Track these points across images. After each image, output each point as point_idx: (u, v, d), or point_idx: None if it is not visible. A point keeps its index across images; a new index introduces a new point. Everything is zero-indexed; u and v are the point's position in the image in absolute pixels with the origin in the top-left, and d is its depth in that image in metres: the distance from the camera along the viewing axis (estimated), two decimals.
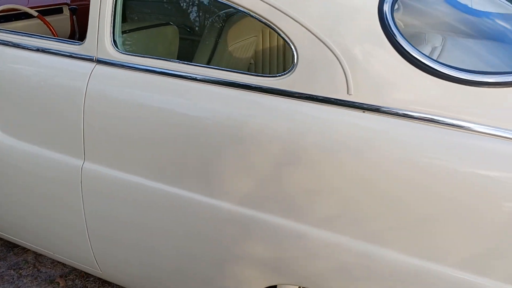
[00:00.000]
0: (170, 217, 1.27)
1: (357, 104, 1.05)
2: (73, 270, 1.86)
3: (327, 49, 1.08)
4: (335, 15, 1.10)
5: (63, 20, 2.78)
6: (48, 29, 2.42)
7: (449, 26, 1.39)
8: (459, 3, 1.56)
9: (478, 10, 1.50)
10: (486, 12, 1.51)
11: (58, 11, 2.79)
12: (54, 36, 2.36)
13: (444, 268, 0.99)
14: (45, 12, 2.69)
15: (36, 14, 2.38)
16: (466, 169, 0.95)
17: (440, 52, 1.19)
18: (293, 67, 1.12)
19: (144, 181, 1.29)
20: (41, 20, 2.40)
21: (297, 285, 1.21)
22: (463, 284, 0.98)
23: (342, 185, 1.04)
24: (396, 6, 1.18)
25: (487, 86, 1.01)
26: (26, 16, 2.52)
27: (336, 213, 1.07)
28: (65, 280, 1.81)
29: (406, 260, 1.02)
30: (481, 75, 1.02)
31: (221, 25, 1.67)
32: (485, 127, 0.96)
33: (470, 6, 1.49)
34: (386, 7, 1.10)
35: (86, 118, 1.33)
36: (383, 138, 1.01)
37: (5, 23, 2.43)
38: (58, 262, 1.90)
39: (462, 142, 0.96)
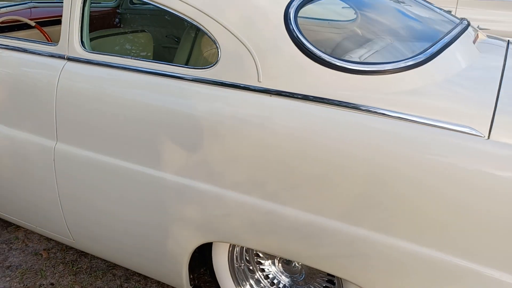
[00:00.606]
0: (120, 187, 1.53)
1: (264, 89, 1.31)
2: (56, 245, 2.13)
3: (243, 46, 1.34)
4: (249, 17, 1.36)
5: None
6: (44, 37, 2.73)
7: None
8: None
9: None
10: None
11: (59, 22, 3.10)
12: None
13: (327, 220, 1.23)
14: (47, 22, 3.00)
15: (33, 24, 2.68)
16: (341, 137, 1.19)
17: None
18: (217, 60, 1.38)
19: (104, 157, 1.55)
20: (38, 29, 2.71)
21: (226, 242, 1.46)
22: (341, 234, 1.22)
23: (249, 153, 1.29)
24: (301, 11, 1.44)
25: (363, 74, 1.26)
26: (27, 26, 2.83)
27: (246, 177, 1.32)
28: (48, 252, 2.08)
29: (301, 215, 1.26)
30: (360, 65, 1.27)
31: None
32: (348, 104, 1.21)
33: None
34: (291, 11, 1.36)
35: (57, 105, 1.61)
36: (284, 115, 1.26)
37: (7, 32, 2.74)
38: (44, 238, 2.17)
39: (343, 118, 1.21)
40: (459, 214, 1.09)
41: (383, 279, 1.22)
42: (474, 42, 1.69)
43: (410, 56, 1.34)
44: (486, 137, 1.12)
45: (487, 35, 2.03)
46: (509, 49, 1.72)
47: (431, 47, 1.41)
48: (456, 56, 1.44)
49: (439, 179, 1.10)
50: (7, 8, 2.84)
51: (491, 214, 1.06)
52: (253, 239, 1.37)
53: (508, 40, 1.98)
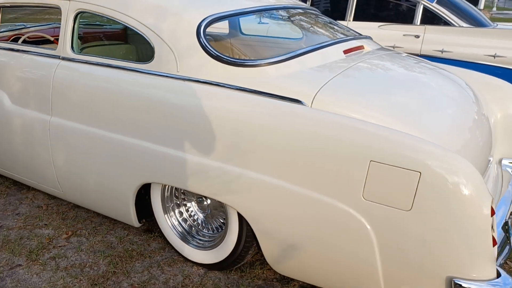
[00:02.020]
0: (90, 147, 2.21)
1: (181, 77, 1.97)
2: (54, 200, 2.81)
3: (168, 47, 2.02)
4: (174, 31, 2.04)
5: None
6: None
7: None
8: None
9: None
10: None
11: None
12: None
13: (209, 161, 1.86)
14: None
15: (52, 39, 3.48)
16: (217, 102, 1.83)
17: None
18: (152, 57, 2.06)
19: (82, 126, 2.24)
20: (55, 42, 3.51)
21: (156, 182, 2.09)
22: (218, 169, 1.84)
23: (167, 117, 1.95)
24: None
25: (245, 66, 1.90)
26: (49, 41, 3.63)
27: (164, 135, 1.96)
28: (47, 206, 2.76)
29: (192, 158, 1.89)
30: (250, 62, 1.92)
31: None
32: (243, 89, 1.85)
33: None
34: (201, 27, 2.03)
35: (53, 90, 2.32)
36: (189, 92, 1.91)
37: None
38: (46, 197, 2.85)
39: (218, 91, 1.85)
40: (280, 148, 1.70)
41: (242, 197, 1.82)
42: (351, 51, 2.29)
43: (276, 56, 1.98)
44: (310, 105, 1.74)
45: (381, 48, 2.63)
46: (374, 58, 2.32)
47: (296, 51, 2.04)
48: (315, 57, 2.07)
49: (276, 132, 1.70)
50: (37, 27, 3.66)
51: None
52: (167, 177, 2.00)
53: (393, 52, 2.57)
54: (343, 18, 5.53)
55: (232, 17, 2.28)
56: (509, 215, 2.04)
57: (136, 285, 2.04)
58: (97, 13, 2.30)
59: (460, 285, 1.49)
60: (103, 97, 2.15)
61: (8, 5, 2.79)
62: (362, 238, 1.60)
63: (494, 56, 4.58)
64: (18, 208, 2.73)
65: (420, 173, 1.48)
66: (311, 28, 2.66)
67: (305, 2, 5.79)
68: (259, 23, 2.82)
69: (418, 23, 5.07)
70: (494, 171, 2.42)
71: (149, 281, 2.07)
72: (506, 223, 1.96)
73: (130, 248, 2.31)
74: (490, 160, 2.36)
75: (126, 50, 2.80)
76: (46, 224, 2.55)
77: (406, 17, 5.21)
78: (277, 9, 2.55)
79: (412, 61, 2.50)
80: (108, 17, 2.26)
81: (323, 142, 1.63)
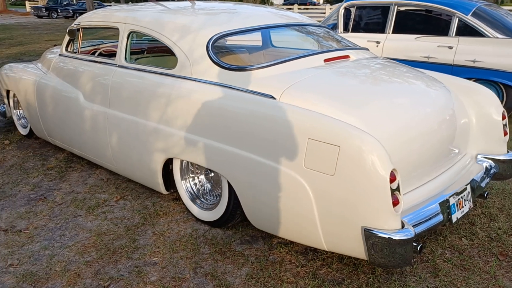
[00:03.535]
0: (130, 130, 2.98)
1: (193, 78, 2.67)
2: (113, 176, 3.64)
3: (186, 56, 2.73)
4: (191, 45, 2.75)
5: None
6: None
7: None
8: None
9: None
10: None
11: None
12: None
13: (206, 140, 2.52)
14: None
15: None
16: (216, 97, 2.49)
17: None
18: (176, 64, 2.78)
19: (127, 116, 3.02)
20: None
21: (176, 158, 2.79)
22: (209, 146, 2.49)
23: (184, 109, 2.65)
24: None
25: (239, 71, 2.55)
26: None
27: (182, 122, 2.66)
28: (107, 179, 3.60)
29: (195, 138, 2.56)
30: (241, 67, 2.57)
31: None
32: (233, 87, 2.51)
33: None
34: (210, 42, 2.72)
35: (111, 89, 3.15)
36: (200, 89, 2.60)
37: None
38: (108, 172, 3.70)
39: (217, 89, 2.51)
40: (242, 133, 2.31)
41: (228, 167, 2.45)
42: (332, 60, 2.82)
43: (266, 62, 2.59)
44: (278, 99, 2.34)
45: (372, 58, 3.11)
46: (356, 64, 2.82)
47: (282, 59, 2.64)
48: (296, 64, 2.64)
49: (250, 118, 2.32)
50: (110, 43, 4.60)
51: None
52: (183, 153, 2.70)
53: (382, 61, 3.04)
54: (382, 31, 5.93)
55: (239, 33, 2.93)
56: (453, 195, 2.44)
57: (157, 232, 2.75)
58: (142, 33, 3.09)
59: (369, 231, 1.99)
60: (143, 94, 2.92)
61: (87, 26, 3.71)
62: (304, 196, 2.15)
63: None
64: (87, 180, 3.60)
65: (339, 146, 2.01)
66: (305, 40, 3.24)
67: (347, 16, 6.28)
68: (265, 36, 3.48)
69: (453, 35, 5.33)
70: (463, 163, 2.80)
71: (167, 231, 2.77)
72: (447, 200, 2.38)
73: (158, 209, 3.04)
74: (455, 151, 2.75)
75: (161, 59, 3.58)
76: (104, 191, 3.37)
77: (442, 30, 5.49)
78: (279, 26, 3.16)
79: (397, 68, 2.96)
80: (149, 35, 3.04)
81: (280, 125, 2.22)
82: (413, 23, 5.91)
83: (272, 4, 43.53)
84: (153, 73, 2.94)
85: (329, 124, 2.08)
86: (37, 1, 39.43)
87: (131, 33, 3.17)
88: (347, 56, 2.97)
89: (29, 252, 2.55)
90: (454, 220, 2.42)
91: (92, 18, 3.66)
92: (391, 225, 1.99)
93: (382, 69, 2.90)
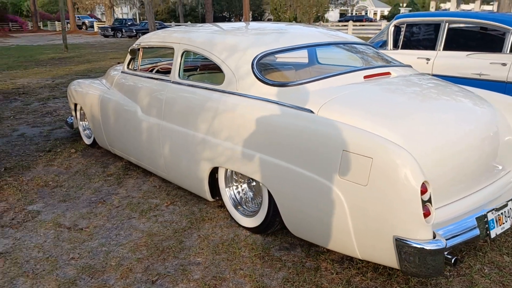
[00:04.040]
0: (182, 140, 3.22)
1: (238, 93, 2.88)
2: (165, 183, 3.90)
3: (232, 73, 2.95)
4: (237, 64, 2.96)
5: None
6: None
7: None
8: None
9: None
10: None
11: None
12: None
13: (251, 152, 2.69)
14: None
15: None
16: (263, 112, 2.67)
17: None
18: (224, 80, 3.01)
19: (178, 127, 3.28)
20: None
21: (222, 167, 3.00)
22: (253, 157, 2.66)
23: (230, 122, 2.85)
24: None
25: (281, 86, 2.73)
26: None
27: (227, 134, 2.86)
28: (160, 186, 3.87)
29: (240, 148, 2.74)
30: (283, 83, 2.74)
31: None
32: (275, 102, 2.69)
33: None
34: (255, 61, 2.92)
35: (165, 103, 3.43)
36: (245, 104, 2.80)
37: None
38: (161, 180, 3.97)
39: (263, 105, 2.70)
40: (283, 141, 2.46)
41: (268, 176, 2.60)
42: (372, 76, 2.92)
43: (307, 78, 2.75)
44: (316, 113, 2.48)
45: (415, 75, 3.17)
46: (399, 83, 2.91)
47: (323, 75, 2.79)
48: (336, 80, 2.77)
49: (291, 131, 2.48)
50: (167, 61, 4.94)
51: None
52: (228, 163, 2.89)
53: (425, 78, 3.10)
54: (433, 48, 5.90)
55: (283, 51, 3.11)
56: (492, 210, 2.45)
57: (202, 235, 2.95)
58: (195, 52, 3.36)
59: (401, 241, 2.06)
60: (193, 107, 3.17)
61: (147, 46, 4.05)
62: (338, 205, 2.26)
63: None
64: (141, 186, 3.89)
65: (372, 158, 2.11)
66: (349, 58, 3.36)
67: (397, 33, 6.30)
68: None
69: (508, 52, 5.21)
70: (507, 179, 2.78)
71: (211, 235, 2.96)
72: (485, 216, 2.40)
73: (204, 215, 3.25)
74: (498, 167, 2.74)
75: (211, 76, 3.83)
76: (156, 196, 3.64)
77: (495, 46, 5.38)
78: (322, 44, 3.31)
79: (438, 84, 3.02)
80: (201, 54, 3.29)
81: (316, 137, 2.36)
82: (464, 39, 5.84)
83: (327, 21, 43.74)
84: (202, 88, 3.18)
85: (362, 137, 2.19)
86: (104, 22, 42.15)
87: (184, 52, 3.45)
88: (388, 73, 3.06)
89: (89, 247, 2.83)
90: (492, 235, 2.42)
91: (151, 38, 4.00)
92: (422, 235, 2.06)
93: (422, 85, 2.97)
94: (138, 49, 4.13)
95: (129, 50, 4.18)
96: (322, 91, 2.69)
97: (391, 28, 6.44)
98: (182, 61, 3.47)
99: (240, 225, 3.06)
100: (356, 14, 60.11)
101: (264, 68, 3.06)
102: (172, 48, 3.56)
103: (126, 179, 4.05)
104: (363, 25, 25.59)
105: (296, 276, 2.48)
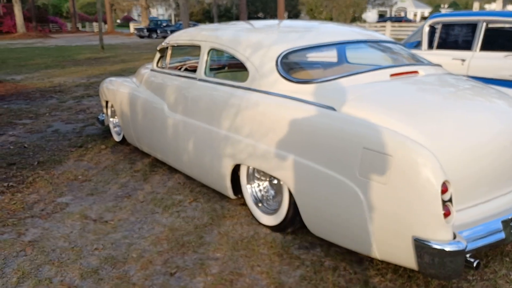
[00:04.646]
0: (207, 139, 3.25)
1: (261, 90, 2.89)
2: (189, 180, 3.95)
3: (256, 70, 2.96)
4: (261, 62, 2.97)
5: None
6: None
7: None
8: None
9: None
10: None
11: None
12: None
13: (272, 149, 2.69)
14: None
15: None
16: (284, 109, 2.67)
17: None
18: (247, 78, 3.02)
19: (202, 124, 3.31)
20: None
21: (243, 164, 3.01)
22: (271, 153, 2.66)
23: (251, 117, 2.87)
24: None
25: (304, 83, 2.72)
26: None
27: (248, 130, 2.88)
28: (184, 183, 3.92)
29: (264, 147, 2.75)
30: (306, 80, 2.73)
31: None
32: (297, 99, 2.69)
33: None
34: (279, 59, 2.92)
35: (191, 100, 3.47)
36: (267, 101, 2.81)
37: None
38: (186, 177, 4.03)
39: (293, 104, 2.70)
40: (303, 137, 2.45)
41: (288, 173, 2.60)
42: (398, 75, 2.86)
43: (331, 75, 2.73)
44: (338, 111, 2.46)
45: (444, 74, 3.08)
46: (424, 82, 2.83)
47: (348, 73, 2.75)
48: (361, 78, 2.73)
49: (313, 128, 2.47)
50: (196, 60, 5.00)
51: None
52: (250, 160, 2.90)
53: (453, 77, 3.01)
54: (469, 48, 5.72)
55: (308, 49, 3.09)
56: None
57: (222, 232, 2.97)
58: (221, 49, 3.39)
59: (419, 241, 2.01)
60: (216, 104, 3.20)
61: (175, 44, 4.11)
62: (358, 204, 2.23)
63: None
64: (166, 182, 3.96)
65: (392, 156, 2.07)
66: (379, 56, 3.31)
67: (432, 33, 6.14)
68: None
69: None
70: None
71: (231, 231, 2.98)
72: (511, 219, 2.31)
73: (226, 212, 3.27)
74: None
75: (236, 73, 3.84)
76: (180, 193, 3.69)
77: None
78: (349, 42, 3.27)
79: (467, 84, 2.92)
80: (226, 52, 3.32)
81: (337, 135, 2.34)
82: (502, 40, 5.63)
83: (365, 22, 43.11)
84: (227, 85, 3.21)
85: (383, 134, 2.15)
86: (140, 23, 43.13)
87: (211, 50, 3.49)
88: (415, 72, 2.99)
89: (112, 239, 2.91)
90: None
91: (179, 37, 4.07)
92: (441, 236, 2.00)
93: (451, 84, 2.89)
94: (167, 48, 4.20)
95: (158, 49, 4.26)
96: (345, 88, 2.66)
97: (426, 28, 6.29)
98: (208, 59, 3.51)
99: (260, 223, 3.06)
100: (395, 15, 59.00)
101: (291, 66, 3.05)
102: (199, 46, 3.60)
103: (152, 175, 4.13)
104: (401, 26, 25.04)
105: (314, 274, 2.46)
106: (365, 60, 3.73)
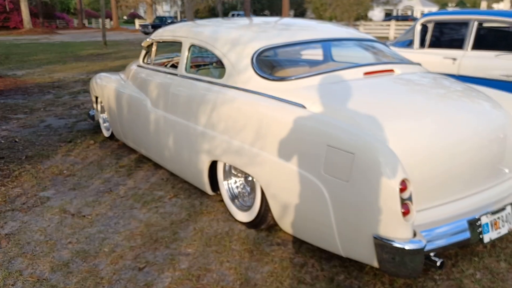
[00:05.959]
0: (185, 134, 3.27)
1: (236, 87, 2.90)
2: (172, 176, 3.97)
3: (232, 67, 2.97)
4: (238, 59, 2.97)
5: None
6: None
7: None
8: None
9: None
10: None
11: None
12: None
13: (244, 144, 2.70)
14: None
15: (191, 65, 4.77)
16: (256, 105, 2.68)
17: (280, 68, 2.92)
18: (224, 74, 3.03)
19: (181, 120, 3.33)
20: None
21: (220, 160, 3.02)
22: (245, 149, 2.67)
23: (227, 114, 2.88)
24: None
25: (278, 81, 2.73)
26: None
27: (224, 126, 2.89)
28: (167, 179, 3.94)
29: (236, 142, 2.76)
30: (280, 78, 2.74)
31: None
32: (270, 96, 2.69)
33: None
34: (254, 55, 2.92)
35: (171, 96, 3.49)
36: (242, 98, 2.82)
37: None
38: (169, 173, 4.05)
39: (265, 102, 2.70)
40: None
41: (259, 169, 2.61)
42: (372, 73, 2.86)
43: (304, 73, 2.73)
44: (307, 108, 2.46)
45: (422, 73, 3.08)
46: (399, 81, 2.83)
47: (321, 71, 2.75)
48: (333, 76, 2.74)
49: (281, 124, 2.47)
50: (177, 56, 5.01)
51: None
52: (225, 156, 2.91)
53: (431, 75, 3.00)
54: (460, 47, 5.69)
55: (284, 47, 3.10)
56: (487, 213, 2.35)
57: (197, 228, 2.99)
58: (200, 46, 3.40)
59: (379, 239, 2.01)
60: (194, 100, 3.21)
61: (160, 40, 4.13)
62: (322, 201, 2.24)
63: None
64: (149, 178, 3.98)
65: (354, 154, 2.07)
66: (354, 54, 3.30)
67: (424, 32, 6.11)
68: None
69: None
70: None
71: (206, 227, 2.99)
72: (478, 219, 2.31)
73: (204, 208, 3.29)
74: (504, 170, 2.62)
75: (216, 70, 3.86)
76: (161, 189, 3.72)
77: None
78: (330, 40, 3.27)
79: (443, 83, 2.92)
80: (205, 48, 3.34)
81: (304, 132, 2.35)
82: (494, 39, 5.59)
83: (371, 20, 42.81)
84: (205, 82, 3.22)
85: (346, 132, 2.16)
86: (145, 19, 43.25)
87: (191, 46, 3.50)
88: (391, 70, 2.99)
89: (87, 233, 2.93)
90: (486, 240, 2.33)
91: (163, 33, 4.08)
92: (400, 234, 2.00)
93: (424, 83, 2.88)
94: (152, 44, 4.22)
95: (143, 45, 4.28)
96: (316, 86, 2.66)
97: (418, 27, 6.26)
98: (189, 55, 3.52)
99: (236, 220, 3.07)
100: (402, 14, 58.65)
101: (267, 63, 3.06)
102: (181, 42, 3.62)
103: (136, 171, 4.16)
104: (407, 25, 25.03)
105: (281, 271, 2.47)
106: (351, 59, 3.72)
